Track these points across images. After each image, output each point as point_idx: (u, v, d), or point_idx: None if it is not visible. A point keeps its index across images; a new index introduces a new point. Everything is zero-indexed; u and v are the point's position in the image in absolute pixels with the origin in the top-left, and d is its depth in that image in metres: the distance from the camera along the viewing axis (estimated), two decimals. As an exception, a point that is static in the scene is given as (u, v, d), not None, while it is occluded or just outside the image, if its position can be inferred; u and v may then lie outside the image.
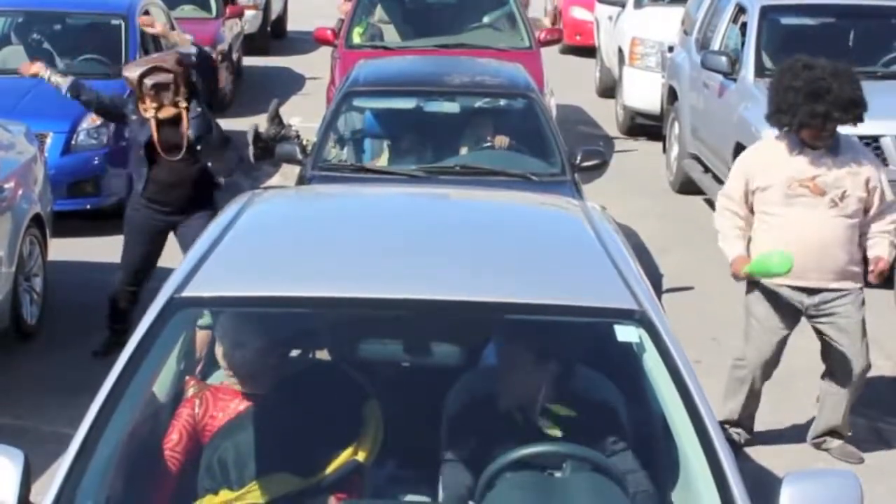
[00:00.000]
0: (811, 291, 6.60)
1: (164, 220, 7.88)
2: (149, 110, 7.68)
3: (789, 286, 6.58)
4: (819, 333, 6.74)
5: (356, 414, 4.32)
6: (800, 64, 6.50)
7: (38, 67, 8.22)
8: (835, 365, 6.76)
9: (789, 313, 6.68)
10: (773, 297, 6.65)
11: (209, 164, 7.86)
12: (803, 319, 6.78)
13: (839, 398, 6.82)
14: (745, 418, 6.93)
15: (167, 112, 7.68)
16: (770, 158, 6.61)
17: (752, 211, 6.65)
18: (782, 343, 6.76)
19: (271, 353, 4.40)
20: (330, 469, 4.22)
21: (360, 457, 4.26)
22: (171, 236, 8.00)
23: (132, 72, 7.67)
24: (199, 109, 7.77)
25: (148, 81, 7.60)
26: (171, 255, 7.89)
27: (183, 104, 7.69)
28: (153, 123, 7.67)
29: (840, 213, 6.52)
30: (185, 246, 7.76)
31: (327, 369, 4.61)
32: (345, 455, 4.24)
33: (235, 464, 4.19)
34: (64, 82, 8.13)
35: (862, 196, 6.54)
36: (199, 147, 7.75)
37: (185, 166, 7.76)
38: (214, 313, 4.43)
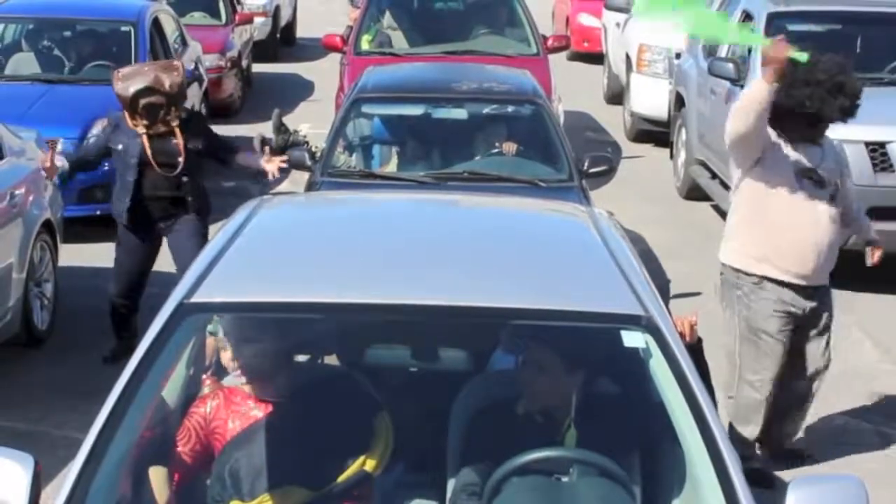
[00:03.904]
0: (810, 294, 6.52)
1: (152, 228, 7.89)
2: (139, 126, 7.68)
3: (796, 287, 6.47)
4: (800, 337, 6.61)
5: (367, 425, 4.34)
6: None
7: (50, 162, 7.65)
8: (804, 364, 6.66)
9: (793, 321, 6.56)
10: (780, 309, 6.51)
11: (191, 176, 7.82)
12: None
13: (804, 402, 6.74)
14: (776, 433, 6.79)
15: (158, 129, 7.69)
16: (781, 141, 6.46)
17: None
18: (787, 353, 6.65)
19: (280, 358, 4.42)
20: (339, 479, 4.24)
21: (369, 467, 4.28)
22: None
23: (125, 89, 7.61)
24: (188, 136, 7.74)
25: (141, 101, 7.60)
26: (168, 259, 7.95)
27: (175, 122, 7.68)
28: (144, 139, 7.66)
29: (836, 207, 6.48)
30: (176, 252, 7.79)
31: (339, 379, 4.62)
32: (355, 466, 4.26)
33: (247, 475, 4.20)
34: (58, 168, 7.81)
35: (848, 193, 6.55)
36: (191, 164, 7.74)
37: (172, 178, 7.74)
38: (222, 316, 4.46)
